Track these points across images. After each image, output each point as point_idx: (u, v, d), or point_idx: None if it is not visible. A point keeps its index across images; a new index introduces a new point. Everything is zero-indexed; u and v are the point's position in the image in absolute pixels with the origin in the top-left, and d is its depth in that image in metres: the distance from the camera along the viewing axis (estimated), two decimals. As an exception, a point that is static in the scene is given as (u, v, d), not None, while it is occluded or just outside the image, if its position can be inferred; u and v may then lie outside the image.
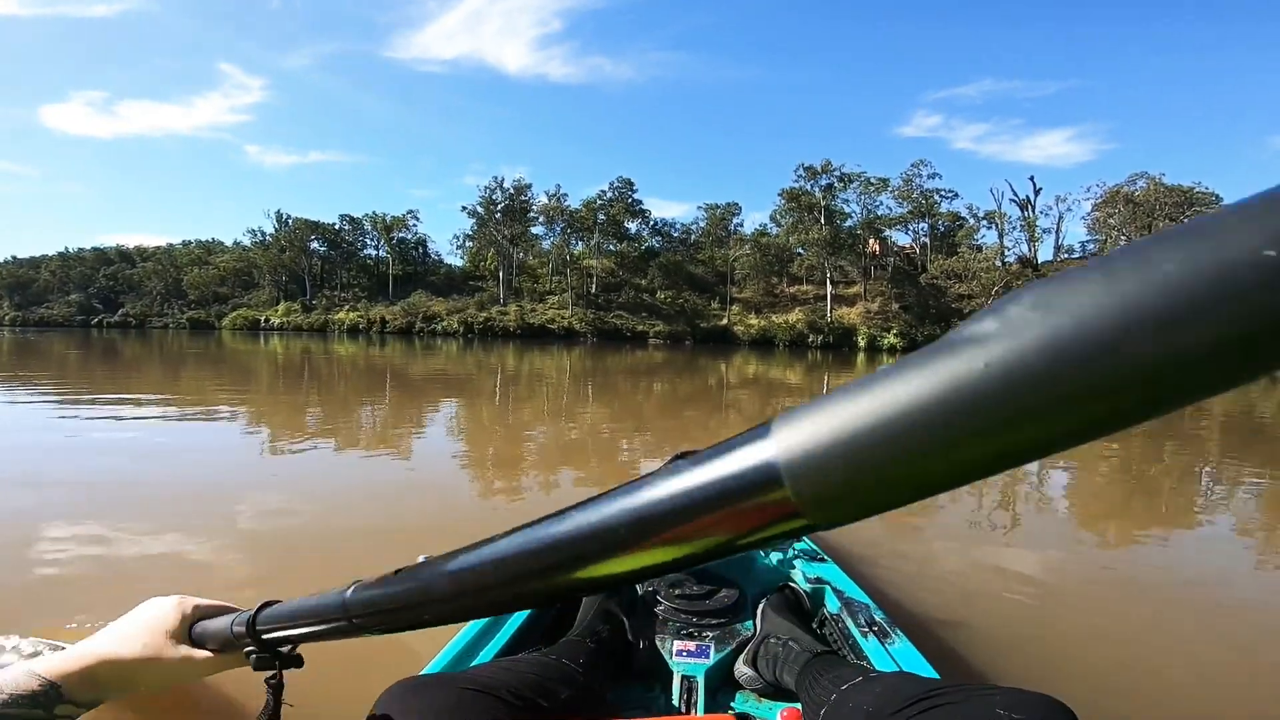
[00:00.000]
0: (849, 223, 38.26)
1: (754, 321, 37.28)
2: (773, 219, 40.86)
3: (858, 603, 1.35)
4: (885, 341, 34.11)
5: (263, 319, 47.75)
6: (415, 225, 52.14)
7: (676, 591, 1.36)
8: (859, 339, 34.84)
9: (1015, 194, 38.61)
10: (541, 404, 8.29)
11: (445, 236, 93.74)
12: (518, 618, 1.22)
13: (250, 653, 0.54)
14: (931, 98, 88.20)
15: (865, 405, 0.18)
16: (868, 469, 0.18)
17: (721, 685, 1.18)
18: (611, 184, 44.41)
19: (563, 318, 37.93)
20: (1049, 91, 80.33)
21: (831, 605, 1.36)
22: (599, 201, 42.87)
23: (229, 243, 58.94)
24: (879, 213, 38.85)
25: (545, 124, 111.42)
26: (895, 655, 1.13)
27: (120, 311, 57.14)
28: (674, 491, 0.23)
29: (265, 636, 0.52)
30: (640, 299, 40.34)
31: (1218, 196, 33.51)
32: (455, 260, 52.81)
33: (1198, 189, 32.77)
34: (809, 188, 38.05)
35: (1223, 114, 72.58)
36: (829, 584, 1.45)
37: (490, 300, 42.70)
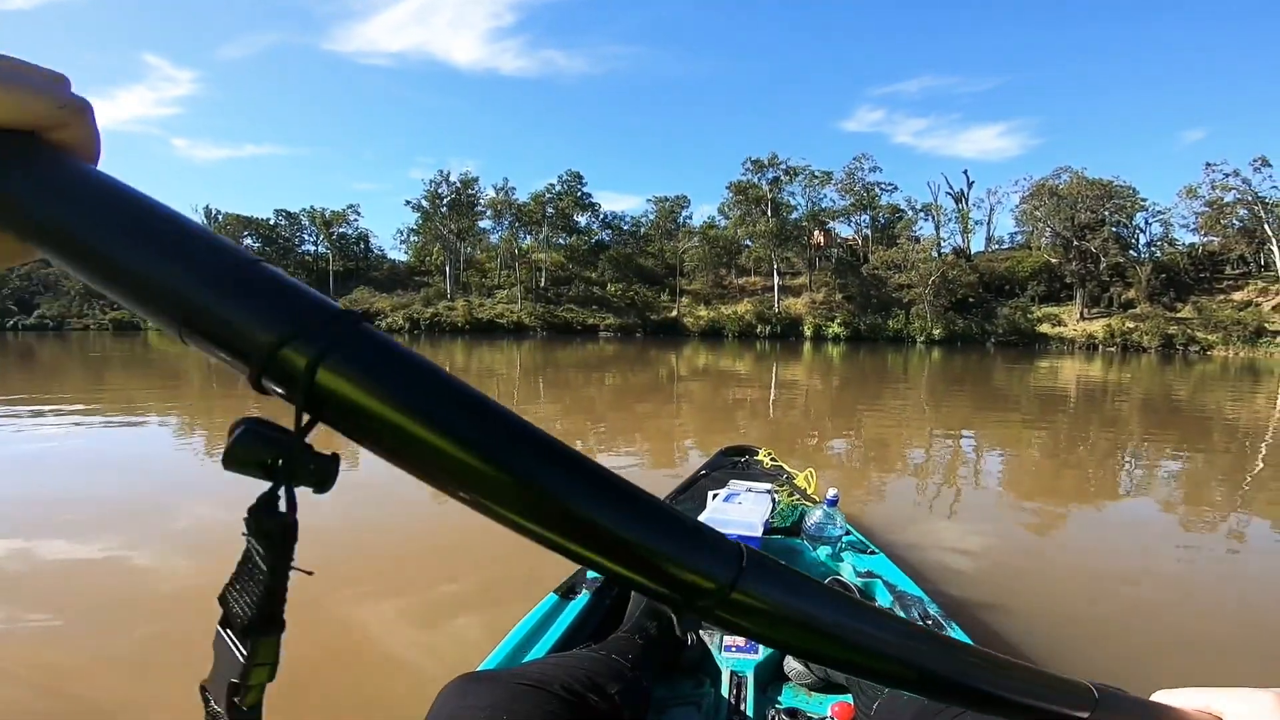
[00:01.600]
0: (795, 215, 38.99)
1: (703, 313, 37.58)
2: (721, 211, 41.23)
3: (910, 596, 1.34)
4: (830, 331, 34.96)
5: (192, 319, 44.83)
6: (356, 220, 50.18)
7: None
8: (805, 329, 35.59)
9: (950, 187, 40.26)
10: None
11: (390, 231, 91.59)
12: (567, 616, 1.22)
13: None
14: (875, 93, 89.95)
15: None
16: None
17: (771, 680, 1.17)
18: (560, 177, 43.93)
19: (512, 312, 37.33)
20: (985, 87, 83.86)
21: (883, 598, 1.35)
22: (547, 195, 42.29)
23: (153, 239, 55.02)
24: (823, 205, 39.74)
25: (497, 117, 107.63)
26: None
27: (36, 313, 53.09)
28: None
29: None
30: (590, 292, 40.08)
31: (1134, 189, 35.72)
32: (400, 255, 51.20)
33: (1116, 182, 34.76)
34: (756, 180, 38.55)
35: (1140, 110, 77.24)
36: (880, 577, 1.43)
37: (437, 295, 41.63)
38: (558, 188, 43.32)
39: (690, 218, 45.52)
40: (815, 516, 1.66)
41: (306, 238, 51.57)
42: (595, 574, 1.37)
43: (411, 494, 3.15)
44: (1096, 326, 32.87)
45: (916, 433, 6.18)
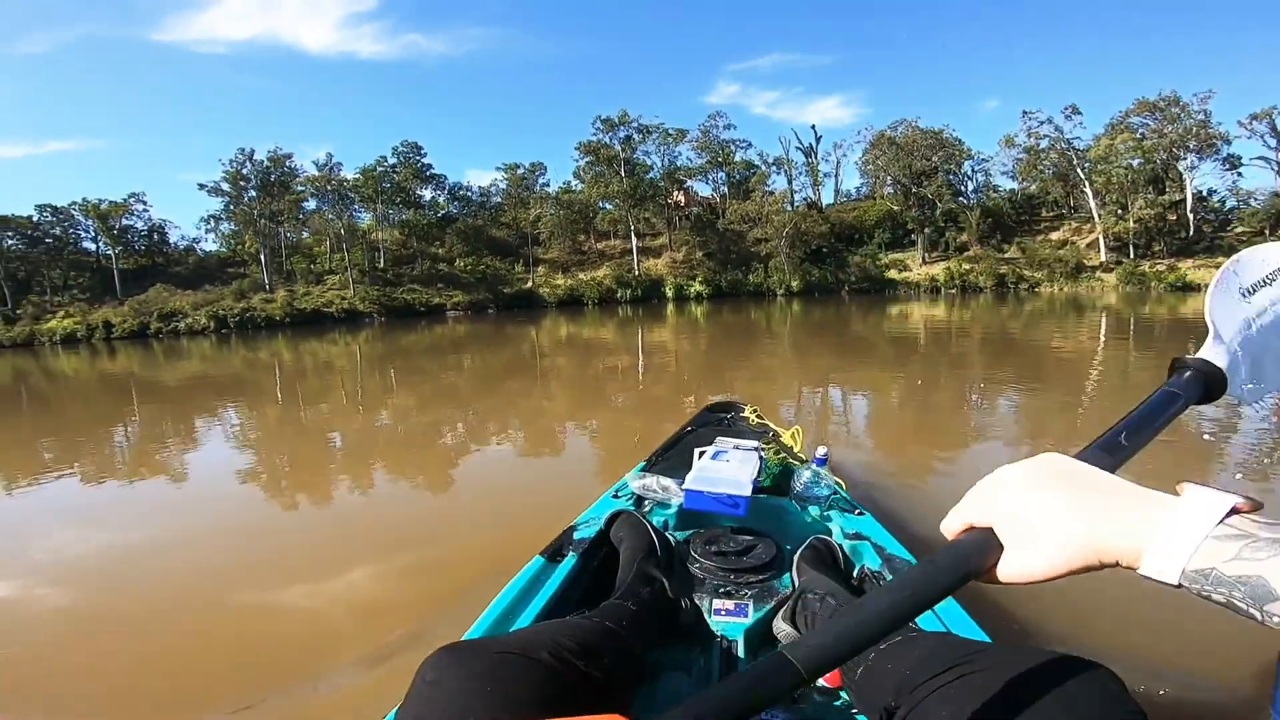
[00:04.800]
0: (652, 175, 37.37)
1: (560, 281, 35.08)
2: (576, 175, 38.62)
3: (899, 559, 1.32)
4: (691, 290, 33.82)
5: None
6: (145, 210, 42.29)
7: (714, 549, 1.38)
8: (666, 289, 34.20)
9: (800, 143, 40.49)
10: (336, 399, 7.27)
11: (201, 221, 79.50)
12: (554, 581, 1.18)
13: None
14: (731, 69, 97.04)
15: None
16: None
17: (762, 644, 1.16)
18: (395, 149, 39.16)
19: (342, 299, 32.62)
20: (823, 63, 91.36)
21: (872, 561, 1.33)
22: (378, 169, 37.47)
23: None
24: (679, 163, 38.41)
25: (353, 102, 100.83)
26: (941, 614, 1.09)
27: None
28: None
29: None
30: (436, 270, 36.16)
31: (960, 140, 37.58)
32: (213, 246, 43.93)
33: (945, 133, 36.31)
34: (608, 140, 36.37)
35: (950, 81, 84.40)
36: (868, 539, 1.41)
37: (253, 287, 35.76)
38: (391, 160, 38.61)
39: (548, 184, 42.60)
40: (804, 476, 1.65)
41: (84, 235, 43.19)
42: (582, 535, 1.41)
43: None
44: (938, 270, 34.31)
45: (785, 388, 6.06)
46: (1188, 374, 0.54)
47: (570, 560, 1.29)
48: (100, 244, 42.09)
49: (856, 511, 1.59)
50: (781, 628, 1.13)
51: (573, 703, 0.68)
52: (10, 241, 41.55)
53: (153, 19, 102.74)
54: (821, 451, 1.77)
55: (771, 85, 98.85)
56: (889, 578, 1.22)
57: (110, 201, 41.29)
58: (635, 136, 36.72)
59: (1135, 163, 32.39)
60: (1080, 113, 34.03)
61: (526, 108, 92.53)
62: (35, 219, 41.93)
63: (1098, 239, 33.22)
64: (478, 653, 0.67)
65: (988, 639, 0.98)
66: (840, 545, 1.38)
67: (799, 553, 1.31)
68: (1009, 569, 0.40)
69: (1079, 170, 34.16)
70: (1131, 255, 32.05)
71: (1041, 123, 34.60)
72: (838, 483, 1.70)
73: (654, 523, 1.43)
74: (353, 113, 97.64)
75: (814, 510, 1.58)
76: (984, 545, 0.41)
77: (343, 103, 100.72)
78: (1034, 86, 75.53)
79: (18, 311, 39.47)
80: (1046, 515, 0.38)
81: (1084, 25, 79.25)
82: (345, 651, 1.83)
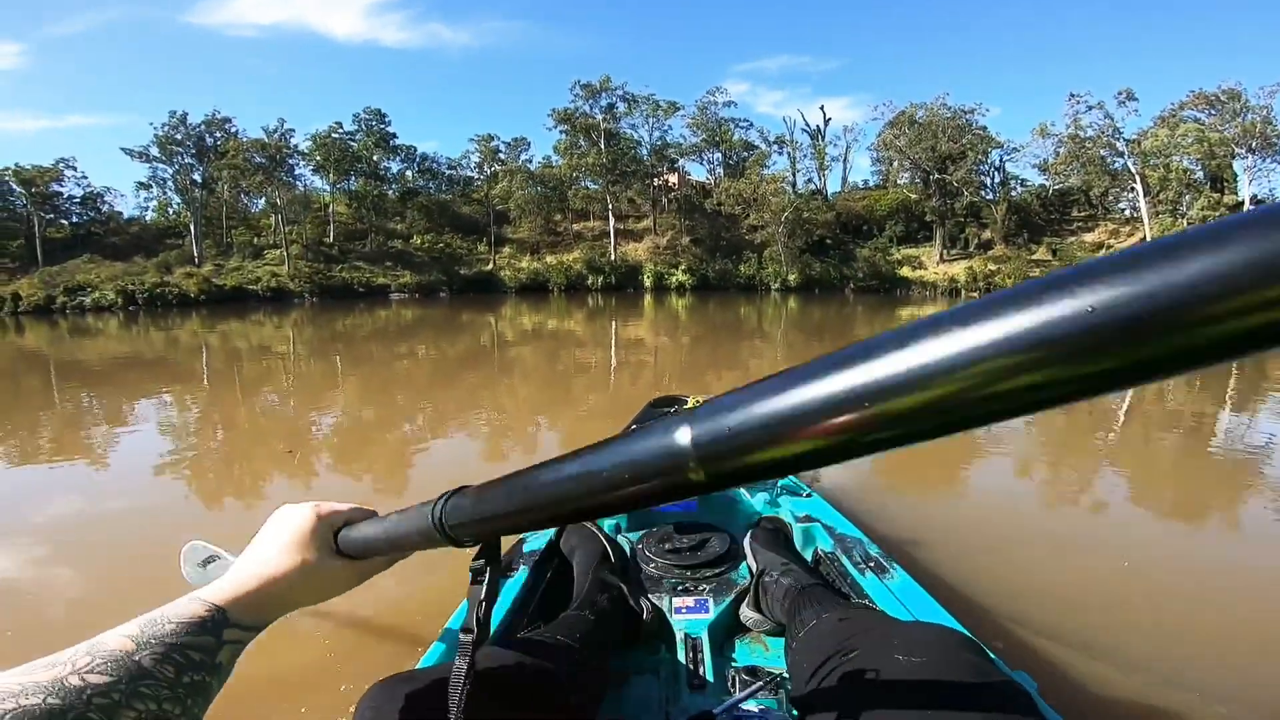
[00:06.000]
0: (642, 151, 33.06)
1: (525, 264, 30.83)
2: (555, 149, 34.28)
3: (850, 538, 1.34)
4: (673, 279, 29.50)
5: None
6: (81, 178, 38.24)
7: (666, 547, 1.35)
8: (645, 277, 29.92)
9: (807, 124, 36.14)
10: (271, 394, 6.68)
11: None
12: (506, 598, 1.17)
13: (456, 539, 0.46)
14: (739, 69, 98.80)
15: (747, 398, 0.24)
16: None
17: (726, 638, 1.16)
18: (356, 116, 34.99)
19: (273, 276, 28.43)
20: (831, 67, 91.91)
21: (824, 543, 1.34)
22: (332, 136, 33.26)
23: None
24: (670, 139, 34.06)
25: (374, 88, 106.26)
26: (895, 591, 1.12)
27: None
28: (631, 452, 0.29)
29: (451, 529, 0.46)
30: (390, 246, 31.95)
31: (985, 127, 33.19)
32: (153, 215, 39.85)
33: (977, 108, 31.85)
34: (587, 108, 32.06)
35: (959, 89, 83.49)
36: (818, 520, 1.42)
37: (181, 260, 31.64)
38: (351, 126, 34.43)
39: (531, 161, 38.36)
40: None
41: (14, 201, 39.33)
42: (532, 548, 1.34)
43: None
44: (958, 269, 29.97)
45: None
46: None
47: (521, 574, 1.27)
48: (30, 210, 38.22)
49: (805, 494, 1.61)
50: (749, 615, 1.15)
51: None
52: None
53: (186, 3, 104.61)
54: None
55: (778, 85, 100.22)
56: (843, 559, 1.25)
57: (36, 166, 37.22)
58: (620, 106, 32.43)
59: (1189, 161, 28.01)
60: (1135, 98, 29.48)
61: (537, 100, 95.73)
62: (-37, 183, 38.17)
63: (1145, 241, 28.80)
64: (413, 682, 0.63)
65: (942, 611, 1.04)
66: (791, 527, 1.42)
67: (749, 535, 1.33)
68: None
69: (1130, 164, 29.63)
70: (1182, 261, 27.69)
71: (1090, 108, 30.01)
72: None
73: (604, 528, 1.40)
74: (373, 98, 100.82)
75: (762, 496, 1.60)
76: None
77: (363, 88, 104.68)
78: (1038, 94, 74.21)
79: (-69, 282, 35.80)
80: None
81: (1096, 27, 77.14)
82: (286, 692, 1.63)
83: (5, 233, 38.57)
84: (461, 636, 0.50)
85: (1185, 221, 27.50)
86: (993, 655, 0.72)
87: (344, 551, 0.56)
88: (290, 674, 1.68)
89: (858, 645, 0.69)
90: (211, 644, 0.45)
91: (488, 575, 0.48)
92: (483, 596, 0.49)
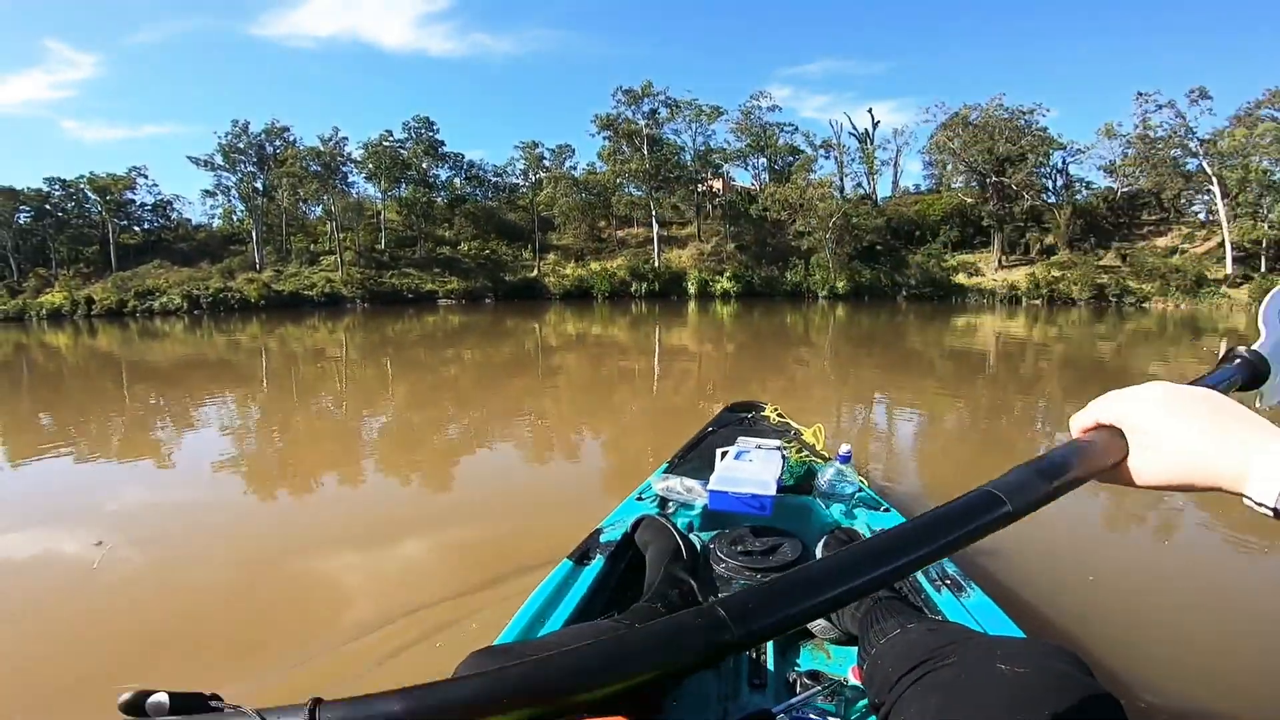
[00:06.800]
0: (684, 157, 32.85)
1: (569, 271, 30.93)
2: (599, 156, 34.40)
3: None
4: (718, 286, 29.10)
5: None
6: (152, 185, 40.46)
7: (739, 549, 1.36)
8: (689, 284, 29.58)
9: (854, 128, 35.24)
10: (328, 394, 6.95)
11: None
12: (582, 584, 1.21)
13: None
14: (783, 74, 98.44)
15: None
16: None
17: (790, 642, 1.17)
18: (405, 124, 35.92)
19: (327, 282, 29.34)
20: (878, 70, 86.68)
21: None
22: (383, 144, 34.20)
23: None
24: (713, 144, 33.72)
25: (422, 97, 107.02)
26: (972, 609, 1.10)
27: None
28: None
29: None
30: (437, 253, 32.59)
31: (1045, 129, 31.67)
32: (220, 222, 41.84)
33: (1036, 109, 30.42)
34: (629, 114, 32.06)
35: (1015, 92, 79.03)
36: None
37: (244, 266, 33.04)
38: (401, 135, 35.36)
39: (575, 168, 38.68)
40: (828, 474, 1.70)
41: (93, 210, 41.92)
42: (608, 538, 1.45)
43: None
44: (1018, 275, 28.64)
45: (821, 408, 5.56)
46: (1237, 361, 0.59)
47: (598, 563, 1.30)
48: (113, 217, 40.64)
49: (883, 508, 1.62)
50: (817, 621, 1.12)
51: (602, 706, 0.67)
52: (23, 216, 40.61)
53: (252, 14, 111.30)
54: (845, 449, 1.78)
55: (823, 90, 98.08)
56: (919, 575, 1.21)
57: (111, 175, 39.52)
58: (662, 111, 32.28)
59: (1267, 161, 26.05)
60: (1209, 96, 27.69)
61: (581, 106, 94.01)
62: (45, 191, 40.87)
63: (1221, 247, 26.92)
64: (511, 657, 0.64)
65: (1018, 631, 1.02)
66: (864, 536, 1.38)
67: (822, 543, 1.34)
68: (1130, 469, 0.41)
69: (1205, 165, 27.79)
70: (1262, 268, 25.75)
71: (1160, 106, 28.32)
72: (862, 480, 1.75)
73: (678, 524, 1.44)
74: (422, 106, 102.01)
75: (838, 507, 1.62)
76: (1112, 443, 0.41)
77: (412, 98, 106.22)
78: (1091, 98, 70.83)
79: (22, 284, 38.37)
80: (1175, 426, 0.39)
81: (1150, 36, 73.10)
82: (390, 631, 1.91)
83: (82, 239, 41.12)
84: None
85: (1266, 225, 25.62)
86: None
87: None
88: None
89: (954, 654, 0.68)
90: None
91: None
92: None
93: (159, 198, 41.79)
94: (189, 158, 34.84)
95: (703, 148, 33.57)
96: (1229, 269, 26.23)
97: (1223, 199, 27.02)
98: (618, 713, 0.55)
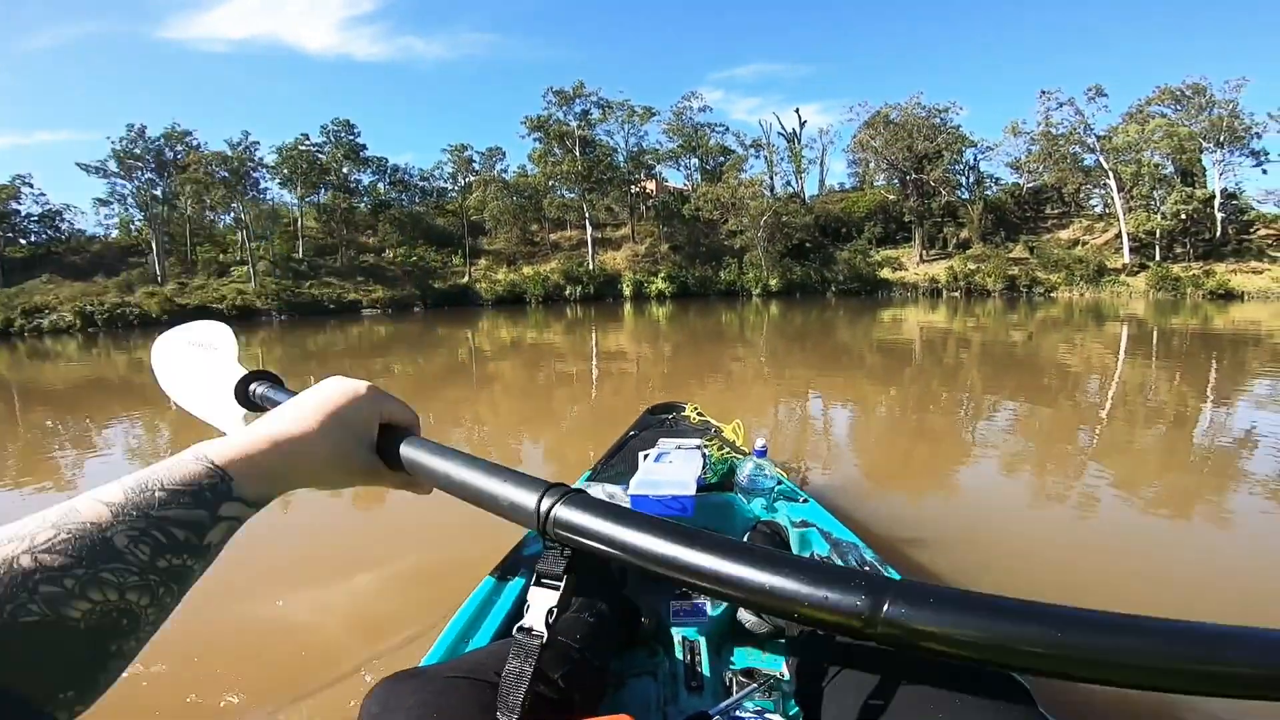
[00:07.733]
0: (618, 157, 32.60)
1: (501, 276, 30.18)
2: (530, 158, 33.70)
3: (846, 543, 1.35)
4: (653, 287, 29.07)
5: None
6: (39, 194, 36.85)
7: None
8: (624, 286, 29.43)
9: (783, 127, 36.00)
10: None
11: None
12: (506, 600, 1.20)
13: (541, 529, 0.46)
14: (714, 77, 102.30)
15: None
16: None
17: (723, 641, 1.19)
18: (323, 127, 34.09)
19: (239, 294, 27.46)
20: (805, 73, 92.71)
21: (820, 547, 1.36)
22: (299, 149, 32.30)
23: None
24: (646, 145, 33.65)
25: (346, 103, 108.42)
26: None
27: None
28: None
29: (559, 525, 0.45)
30: (362, 261, 31.12)
31: (959, 126, 33.21)
32: (117, 233, 38.54)
33: (951, 107, 31.83)
34: (561, 115, 31.57)
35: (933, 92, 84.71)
36: (814, 525, 1.45)
37: (144, 279, 30.50)
38: (319, 138, 33.53)
39: (506, 171, 37.74)
40: (747, 469, 1.68)
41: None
42: (531, 551, 1.38)
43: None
44: (938, 269, 29.91)
45: (758, 405, 5.74)
46: None
47: (521, 579, 1.30)
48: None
49: (801, 499, 1.62)
50: (747, 618, 1.18)
51: None
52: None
53: (159, 16, 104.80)
54: (760, 443, 1.77)
55: (753, 92, 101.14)
56: (838, 562, 1.23)
57: (-6, 186, 35.81)
58: (595, 112, 31.98)
59: (1158, 156, 28.17)
60: (1105, 94, 29.68)
61: (512, 110, 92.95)
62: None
63: (1119, 238, 28.93)
64: (421, 680, 0.65)
65: None
66: (787, 531, 1.44)
67: (746, 539, 1.29)
68: None
69: (1102, 160, 29.78)
70: (1156, 257, 27.84)
71: (1061, 104, 30.15)
72: (780, 473, 1.75)
73: None
74: (346, 112, 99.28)
75: (759, 502, 1.62)
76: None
77: (336, 103, 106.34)
78: (1007, 94, 76.54)
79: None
80: None
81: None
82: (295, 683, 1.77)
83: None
84: (520, 637, 0.51)
85: (1159, 216, 27.68)
86: None
87: (382, 449, 0.50)
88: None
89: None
90: (203, 519, 0.37)
91: (564, 583, 0.48)
92: (555, 604, 0.49)
93: (47, 207, 38.06)
94: (78, 164, 31.83)
95: (635, 148, 33.49)
96: (1126, 258, 28.20)
97: (1118, 192, 29.03)
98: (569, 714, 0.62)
